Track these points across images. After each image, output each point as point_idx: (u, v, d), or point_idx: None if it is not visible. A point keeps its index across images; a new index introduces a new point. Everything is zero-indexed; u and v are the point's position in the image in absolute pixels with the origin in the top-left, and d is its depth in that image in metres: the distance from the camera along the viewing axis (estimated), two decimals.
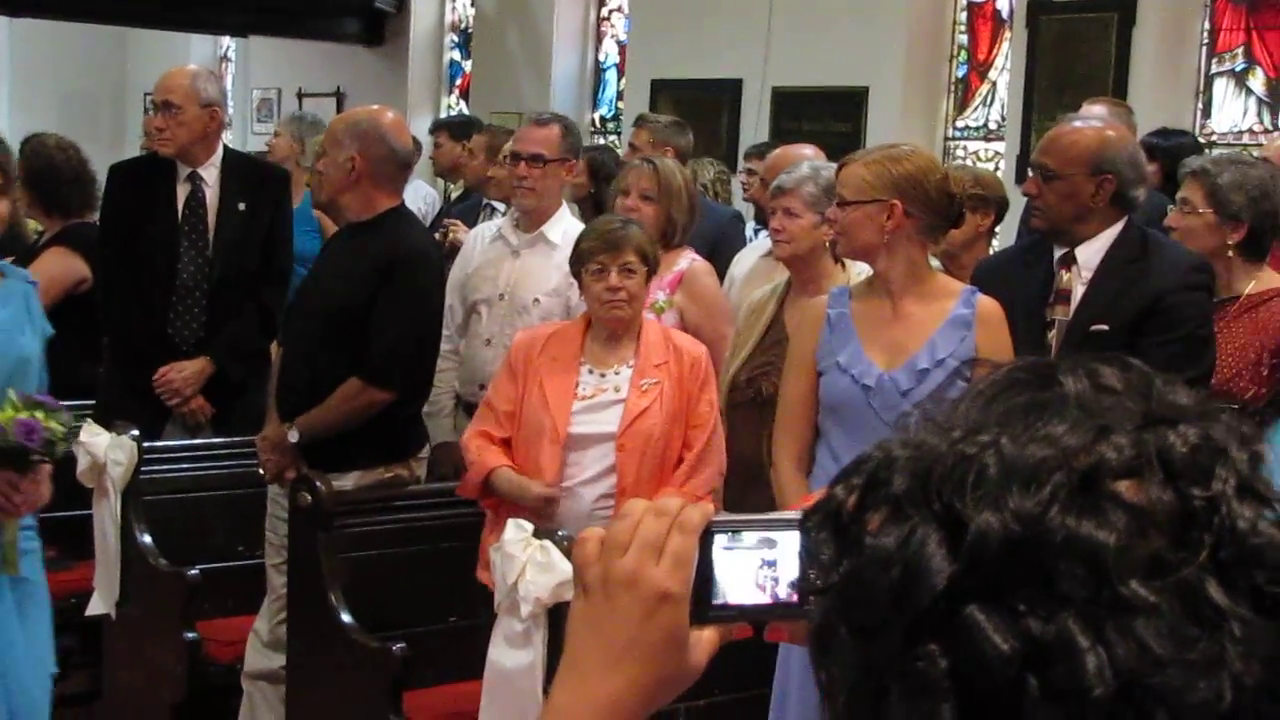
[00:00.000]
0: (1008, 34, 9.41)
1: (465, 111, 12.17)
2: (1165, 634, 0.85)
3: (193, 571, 4.99)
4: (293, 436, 4.82)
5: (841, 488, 0.98)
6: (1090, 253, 4.28)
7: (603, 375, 4.40)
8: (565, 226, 5.40)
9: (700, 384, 4.48)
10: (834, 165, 4.38)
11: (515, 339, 4.58)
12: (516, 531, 4.04)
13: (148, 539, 5.13)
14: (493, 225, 5.72)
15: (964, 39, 9.70)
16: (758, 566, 1.21)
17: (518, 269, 5.42)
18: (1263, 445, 0.94)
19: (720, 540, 1.22)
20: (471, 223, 6.61)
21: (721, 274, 5.49)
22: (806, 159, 5.21)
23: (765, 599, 1.21)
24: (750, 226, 7.29)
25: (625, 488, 4.28)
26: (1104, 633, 0.85)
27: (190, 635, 5.02)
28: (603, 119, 12.07)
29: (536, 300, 5.33)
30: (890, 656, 0.90)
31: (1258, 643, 0.86)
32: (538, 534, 4.04)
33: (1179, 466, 0.90)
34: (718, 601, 1.22)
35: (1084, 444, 0.91)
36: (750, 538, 1.21)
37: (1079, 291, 4.27)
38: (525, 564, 3.97)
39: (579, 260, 4.46)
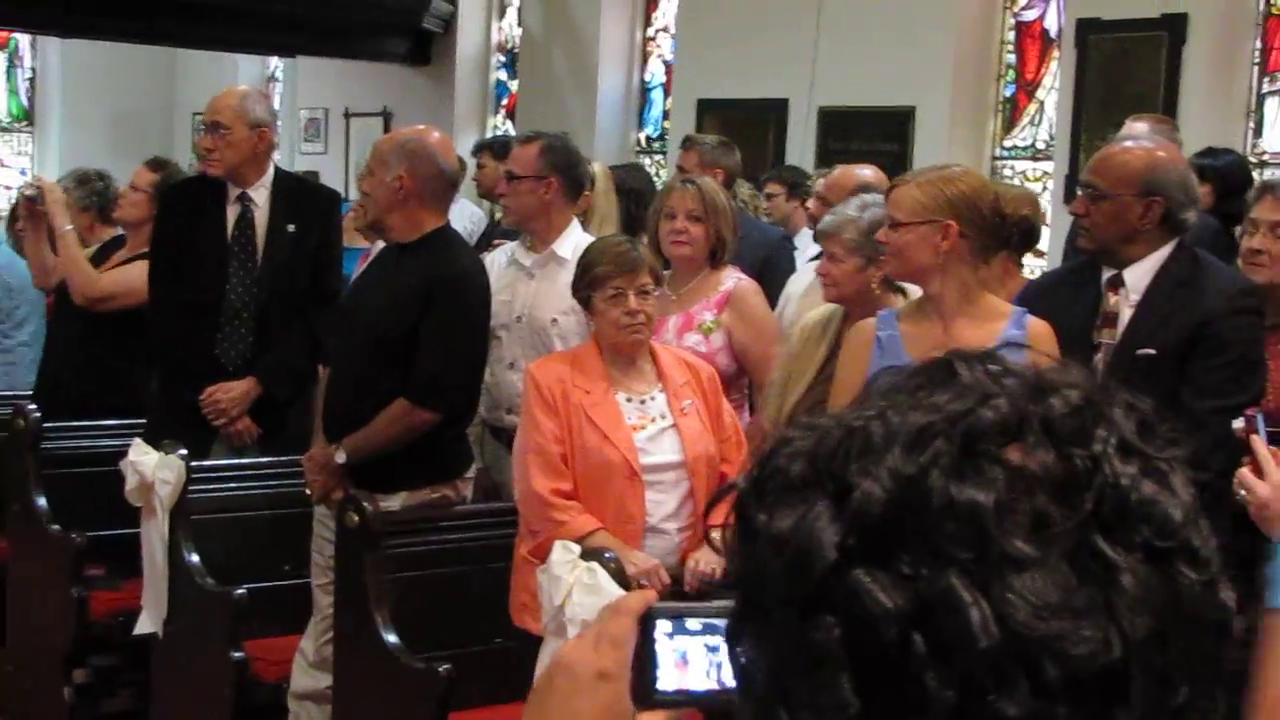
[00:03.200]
0: (1056, 53, 9.36)
1: (511, 131, 12.20)
2: (1050, 587, 0.86)
3: (239, 591, 5.00)
4: (340, 457, 4.83)
5: (743, 479, 0.99)
6: (1138, 275, 4.22)
7: (641, 402, 4.37)
8: (575, 242, 5.36)
9: (718, 398, 4.47)
10: (881, 202, 4.34)
11: (532, 372, 4.44)
12: (563, 553, 4.02)
13: (195, 558, 5.14)
14: (507, 249, 5.70)
15: (1012, 58, 9.66)
16: (704, 652, 1.20)
17: (533, 290, 5.39)
18: (1150, 410, 0.96)
19: (663, 625, 1.22)
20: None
21: (769, 294, 5.46)
22: (866, 180, 5.17)
23: (713, 685, 1.20)
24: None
25: (700, 514, 4.26)
26: (988, 588, 0.86)
27: (237, 654, 5.02)
28: (648, 139, 12.07)
29: (554, 320, 5.29)
30: (791, 634, 0.91)
31: (1146, 596, 0.88)
32: (585, 555, 4.02)
33: (1059, 427, 0.92)
34: (662, 686, 1.21)
35: (965, 409, 0.92)
36: (695, 623, 1.21)
37: (1126, 314, 4.21)
38: (572, 585, 3.95)
39: (590, 285, 4.38)
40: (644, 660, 1.22)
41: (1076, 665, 0.86)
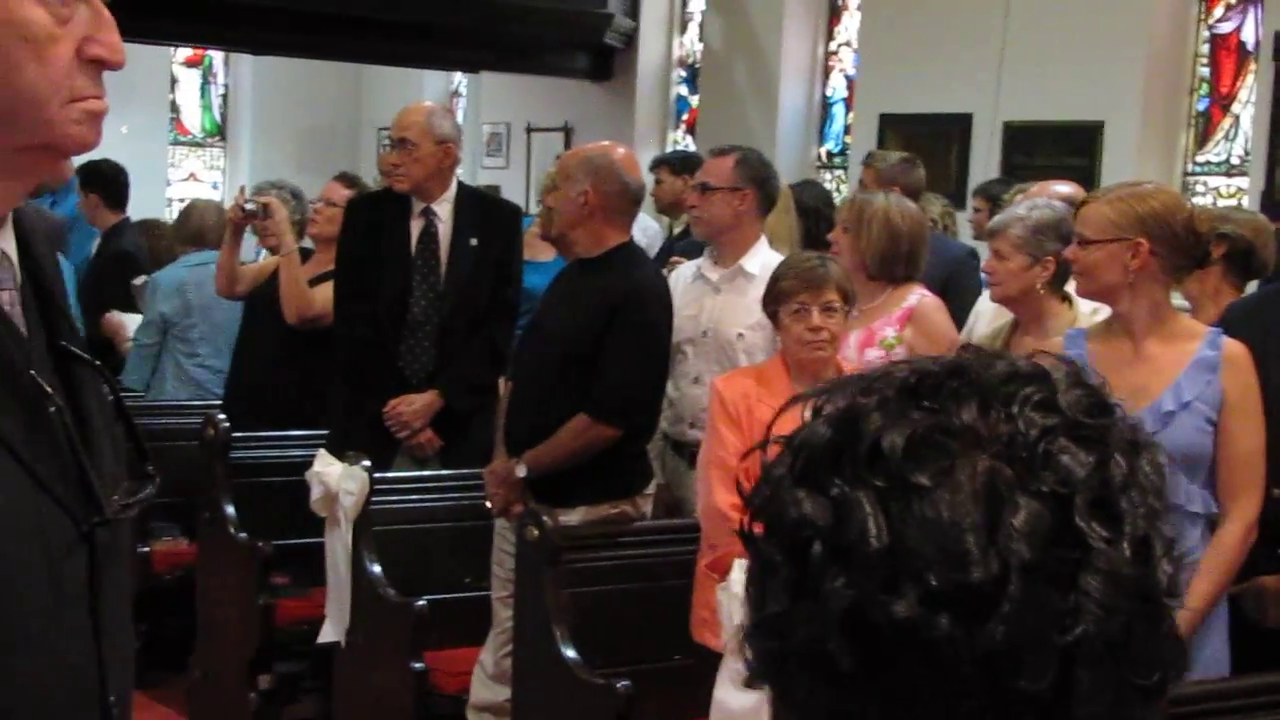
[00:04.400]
0: (1253, 66, 9.12)
1: (692, 147, 12.20)
2: (941, 510, 0.97)
3: (420, 602, 5.04)
4: (520, 471, 4.85)
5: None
6: None
7: None
8: (763, 258, 5.34)
9: None
10: (1053, 204, 4.25)
11: (718, 386, 4.43)
12: (744, 571, 3.98)
13: (377, 569, 5.19)
14: (693, 265, 5.68)
15: (1205, 71, 9.42)
16: None
17: (719, 305, 5.37)
18: (1095, 381, 1.06)
19: None
20: (696, 258, 6.59)
21: (953, 310, 5.37)
22: (1064, 196, 5.08)
23: None
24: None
25: None
26: (889, 508, 0.98)
27: (417, 665, 5.06)
28: (829, 154, 12.00)
29: (740, 335, 5.27)
30: (757, 551, 1.05)
31: (1033, 530, 0.97)
32: None
33: (990, 385, 1.03)
34: None
35: (914, 367, 1.05)
36: None
37: None
38: None
39: (776, 299, 4.37)
40: None
41: (954, 576, 0.96)
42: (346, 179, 6.71)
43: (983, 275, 6.87)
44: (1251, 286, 5.19)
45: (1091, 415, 1.03)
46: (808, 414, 1.09)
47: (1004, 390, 1.03)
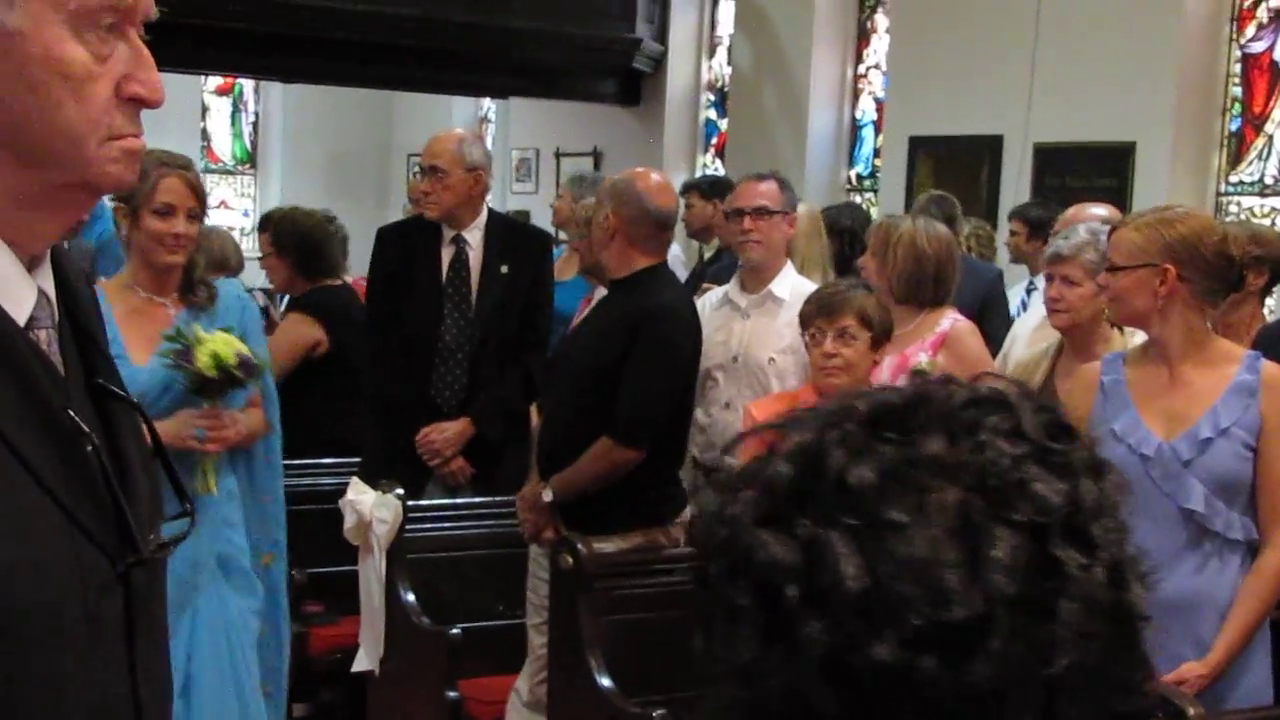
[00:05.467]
0: None
1: (721, 170, 12.20)
2: (920, 548, 0.95)
3: (454, 630, 5.03)
4: (546, 495, 4.84)
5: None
6: None
7: None
8: (792, 283, 5.34)
9: None
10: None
11: (751, 412, 4.46)
12: None
13: (411, 597, 5.19)
14: (719, 291, 5.67)
15: (1238, 90, 9.37)
16: None
17: (748, 330, 5.37)
18: (1058, 413, 1.04)
19: None
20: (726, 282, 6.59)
21: (986, 335, 5.34)
22: (1099, 219, 5.04)
23: None
24: (1022, 285, 7.13)
25: None
26: (864, 547, 0.95)
27: (452, 694, 5.05)
28: (859, 177, 11.98)
29: (771, 360, 5.27)
30: (719, 597, 1.02)
31: (1015, 562, 0.95)
32: None
33: (954, 414, 1.01)
34: None
35: (873, 398, 1.04)
36: None
37: None
38: None
39: (801, 325, 4.43)
40: None
41: (937, 616, 0.93)
42: None
43: (1022, 294, 6.88)
44: (1270, 302, 5.16)
45: (1057, 440, 1.01)
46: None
47: (968, 418, 1.01)
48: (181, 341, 4.04)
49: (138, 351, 4.07)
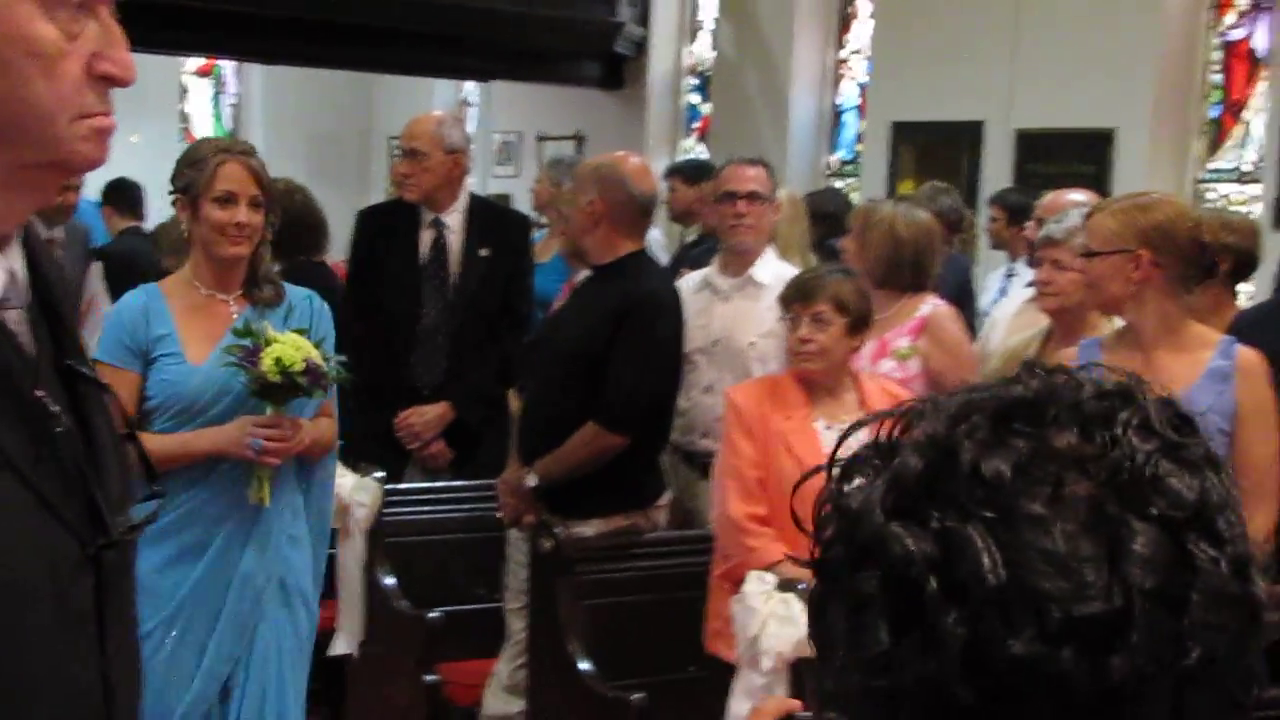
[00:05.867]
0: (1264, 73, 9.08)
1: (704, 155, 12.19)
2: (1058, 541, 0.95)
3: (434, 614, 5.02)
4: (530, 480, 4.83)
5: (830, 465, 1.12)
6: None
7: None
8: (774, 268, 5.35)
9: None
10: None
11: (732, 397, 4.44)
12: (758, 583, 3.97)
13: (390, 580, 5.18)
14: (697, 274, 5.66)
15: (1217, 78, 9.39)
16: None
17: (729, 313, 5.37)
18: (1179, 405, 1.05)
19: None
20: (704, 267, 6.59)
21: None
22: (1079, 205, 5.05)
23: None
24: (1001, 271, 7.14)
25: None
26: (1001, 540, 0.96)
27: (431, 677, 5.05)
28: (841, 162, 11.97)
29: (752, 343, 5.28)
30: (843, 587, 1.02)
31: (1153, 556, 0.95)
32: (780, 586, 3.97)
33: (1086, 408, 1.01)
34: None
35: (1001, 391, 1.04)
36: None
37: None
38: (767, 617, 3.90)
39: (781, 308, 4.43)
40: None
41: (1076, 610, 0.94)
42: None
43: (1001, 279, 6.89)
44: (1242, 288, 5.18)
45: (1182, 434, 1.02)
46: (865, 438, 1.07)
47: (1099, 412, 1.01)
48: (251, 338, 3.82)
49: (195, 350, 3.88)
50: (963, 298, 6.09)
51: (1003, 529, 0.96)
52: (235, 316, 3.94)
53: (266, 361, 3.76)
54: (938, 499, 0.99)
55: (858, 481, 1.06)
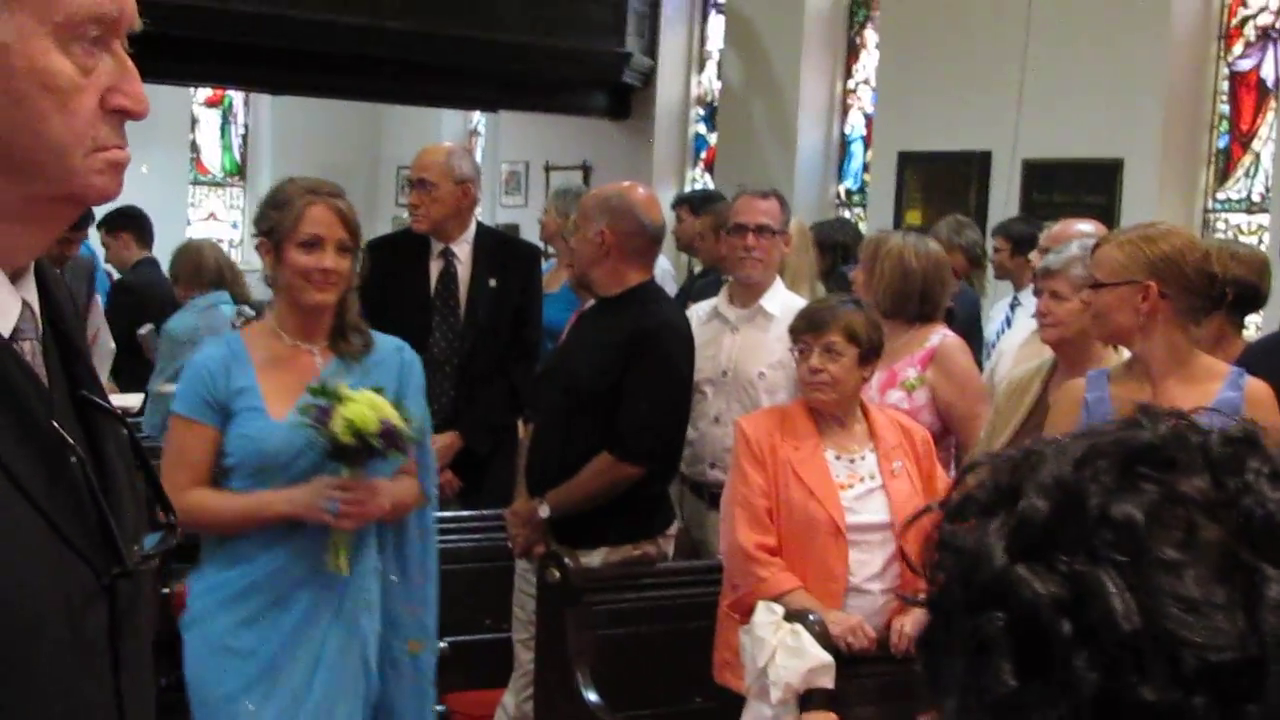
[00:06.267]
0: (1273, 103, 9.10)
1: (711, 185, 12.20)
2: (1193, 587, 0.93)
3: (441, 644, 5.01)
4: (543, 511, 4.83)
5: (938, 502, 1.09)
6: None
7: (851, 461, 4.31)
8: (783, 298, 5.35)
9: (931, 462, 4.39)
10: None
11: (742, 426, 4.43)
12: (766, 614, 3.97)
13: None
14: (706, 304, 5.66)
15: (1225, 108, 9.40)
16: None
17: (738, 344, 5.37)
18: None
19: None
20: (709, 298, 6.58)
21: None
22: (1084, 235, 5.05)
23: None
24: (1006, 301, 7.14)
25: (909, 579, 4.17)
26: (1134, 584, 0.94)
27: (439, 708, 5.02)
28: (848, 192, 11.99)
29: (761, 374, 5.28)
30: (964, 629, 1.00)
31: None
32: (788, 617, 3.96)
33: (1214, 454, 0.99)
34: None
35: (1126, 435, 1.02)
36: None
37: None
38: (776, 648, 3.89)
39: (791, 339, 4.43)
40: None
41: (1212, 657, 0.92)
42: None
43: (1006, 309, 6.89)
44: (1250, 319, 5.16)
45: None
46: (977, 479, 1.06)
47: (1228, 458, 1.00)
48: (325, 397, 3.57)
49: (277, 404, 3.68)
50: (973, 330, 6.08)
51: (1134, 573, 0.95)
52: (320, 368, 3.75)
53: (338, 422, 3.53)
54: (1064, 542, 0.98)
55: (964, 520, 1.05)
